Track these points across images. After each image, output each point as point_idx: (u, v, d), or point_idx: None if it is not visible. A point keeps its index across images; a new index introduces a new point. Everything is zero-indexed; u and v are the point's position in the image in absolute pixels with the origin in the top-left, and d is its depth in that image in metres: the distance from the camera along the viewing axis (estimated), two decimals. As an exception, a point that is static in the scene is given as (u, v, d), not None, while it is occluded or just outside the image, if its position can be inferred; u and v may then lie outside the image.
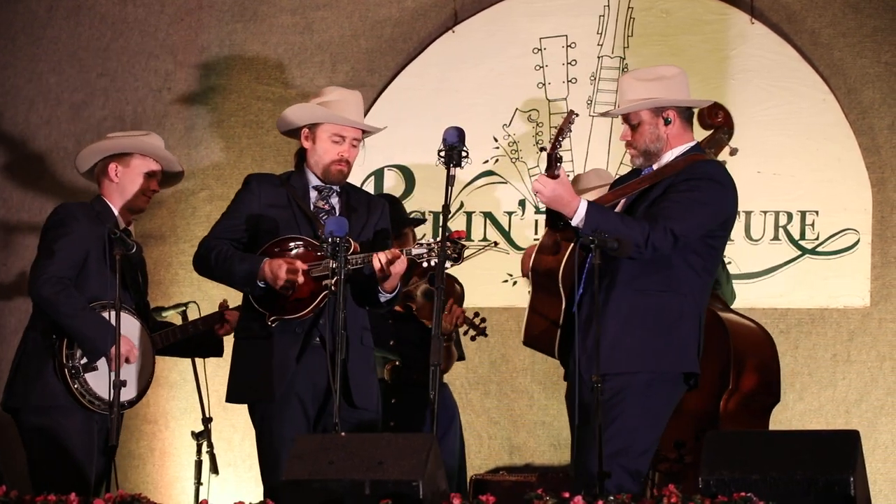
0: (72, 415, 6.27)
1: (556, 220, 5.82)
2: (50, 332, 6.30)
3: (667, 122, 5.92)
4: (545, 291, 5.91)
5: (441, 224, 5.93)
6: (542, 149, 5.72)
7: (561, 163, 5.74)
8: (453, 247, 5.91)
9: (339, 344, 5.78)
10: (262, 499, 5.49)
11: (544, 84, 8.08)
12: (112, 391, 6.09)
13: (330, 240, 5.86)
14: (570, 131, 5.80)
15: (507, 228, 8.04)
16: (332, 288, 5.96)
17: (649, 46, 7.95)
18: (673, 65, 6.20)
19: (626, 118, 5.95)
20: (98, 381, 6.26)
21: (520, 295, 7.92)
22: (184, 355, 6.78)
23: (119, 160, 6.53)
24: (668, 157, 5.92)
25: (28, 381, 6.31)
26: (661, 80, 5.96)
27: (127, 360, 6.25)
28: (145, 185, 6.54)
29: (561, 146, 5.75)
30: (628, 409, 5.72)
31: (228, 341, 6.54)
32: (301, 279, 6.00)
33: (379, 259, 5.95)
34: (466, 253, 6.02)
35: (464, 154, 6.03)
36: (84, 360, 6.26)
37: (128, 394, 6.31)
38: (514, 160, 8.08)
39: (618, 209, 5.92)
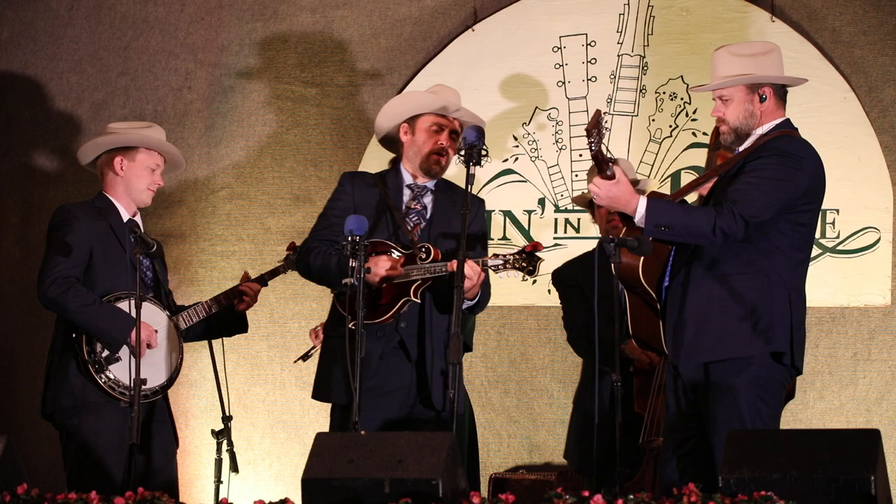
0: (104, 410, 6.28)
1: (629, 218, 5.75)
2: (70, 332, 6.31)
3: (762, 100, 5.85)
4: (635, 291, 5.86)
5: (461, 223, 5.92)
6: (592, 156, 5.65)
7: (613, 162, 5.66)
8: (529, 258, 5.91)
9: (360, 344, 5.79)
10: (282, 497, 5.49)
11: (564, 82, 8.07)
12: (133, 388, 6.11)
13: (350, 238, 5.86)
14: (608, 129, 5.72)
15: (526, 227, 8.03)
16: (413, 298, 6.02)
17: (669, 45, 7.93)
18: (767, 41, 6.15)
19: (720, 93, 5.89)
20: (125, 371, 6.25)
21: (539, 294, 7.91)
22: (210, 337, 6.77)
23: (124, 154, 6.51)
24: (755, 136, 5.85)
25: (57, 385, 6.33)
26: (756, 56, 5.88)
27: (149, 346, 6.26)
28: (150, 180, 6.53)
29: (601, 144, 5.66)
30: (725, 402, 5.69)
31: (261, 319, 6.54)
32: (399, 272, 6.02)
33: (453, 269, 5.95)
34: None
35: (483, 153, 6.03)
36: (105, 353, 6.27)
37: (157, 379, 6.32)
38: (533, 159, 8.08)
39: (706, 191, 5.87)
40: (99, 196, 6.53)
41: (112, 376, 6.26)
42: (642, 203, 5.64)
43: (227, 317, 6.63)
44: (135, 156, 6.51)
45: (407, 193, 6.27)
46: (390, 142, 6.41)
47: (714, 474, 5.42)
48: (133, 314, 6.17)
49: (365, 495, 5.16)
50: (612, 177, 5.62)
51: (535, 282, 7.94)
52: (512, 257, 5.93)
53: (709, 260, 5.74)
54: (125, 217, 6.49)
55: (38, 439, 8.16)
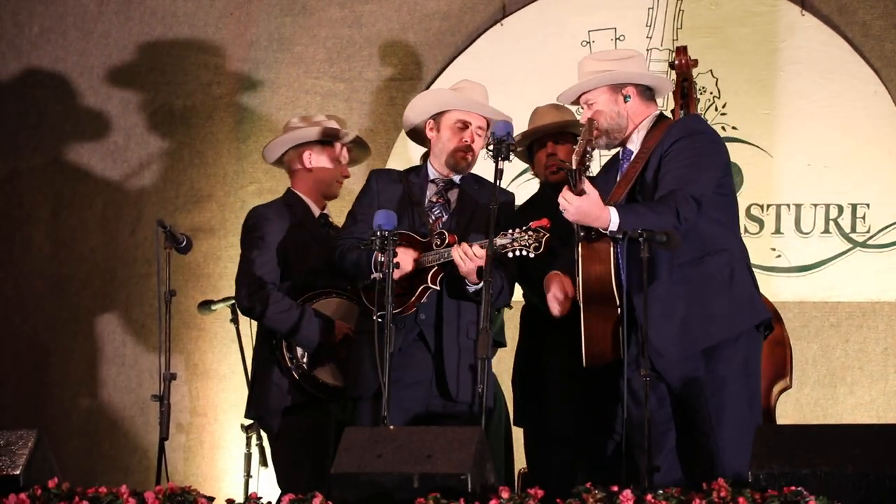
0: (309, 411, 6.35)
1: (588, 230, 5.73)
2: (270, 337, 6.40)
3: (626, 99, 5.88)
4: (598, 301, 5.81)
5: (490, 218, 5.91)
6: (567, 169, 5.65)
7: (585, 173, 5.64)
8: (535, 236, 5.87)
9: (389, 338, 5.80)
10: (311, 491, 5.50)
11: (593, 77, 8.05)
12: (163, 383, 6.13)
13: (378, 233, 5.86)
14: (596, 146, 5.73)
15: (555, 222, 8.01)
16: (431, 285, 6.01)
17: (699, 39, 7.90)
18: (631, 49, 6.20)
19: (585, 99, 5.91)
20: (329, 373, 6.34)
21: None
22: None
23: (311, 148, 6.60)
24: (640, 132, 5.88)
25: (263, 389, 6.40)
26: (617, 59, 5.94)
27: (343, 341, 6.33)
28: (338, 172, 6.60)
29: (589, 160, 5.66)
30: (726, 385, 5.71)
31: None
32: (409, 265, 6.02)
33: (456, 252, 5.95)
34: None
35: (512, 147, 6.02)
36: (307, 358, 6.34)
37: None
38: (562, 153, 8.06)
39: (622, 198, 5.84)
40: (288, 193, 6.63)
41: (317, 381, 6.33)
42: (614, 215, 5.63)
43: None
44: (322, 148, 6.58)
45: (431, 188, 6.27)
46: (419, 136, 6.42)
47: (702, 468, 5.47)
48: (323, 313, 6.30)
49: (393, 490, 5.16)
50: (583, 192, 5.59)
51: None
52: (519, 234, 5.89)
53: (667, 252, 5.74)
54: (316, 212, 6.57)
55: (68, 433, 8.20)
